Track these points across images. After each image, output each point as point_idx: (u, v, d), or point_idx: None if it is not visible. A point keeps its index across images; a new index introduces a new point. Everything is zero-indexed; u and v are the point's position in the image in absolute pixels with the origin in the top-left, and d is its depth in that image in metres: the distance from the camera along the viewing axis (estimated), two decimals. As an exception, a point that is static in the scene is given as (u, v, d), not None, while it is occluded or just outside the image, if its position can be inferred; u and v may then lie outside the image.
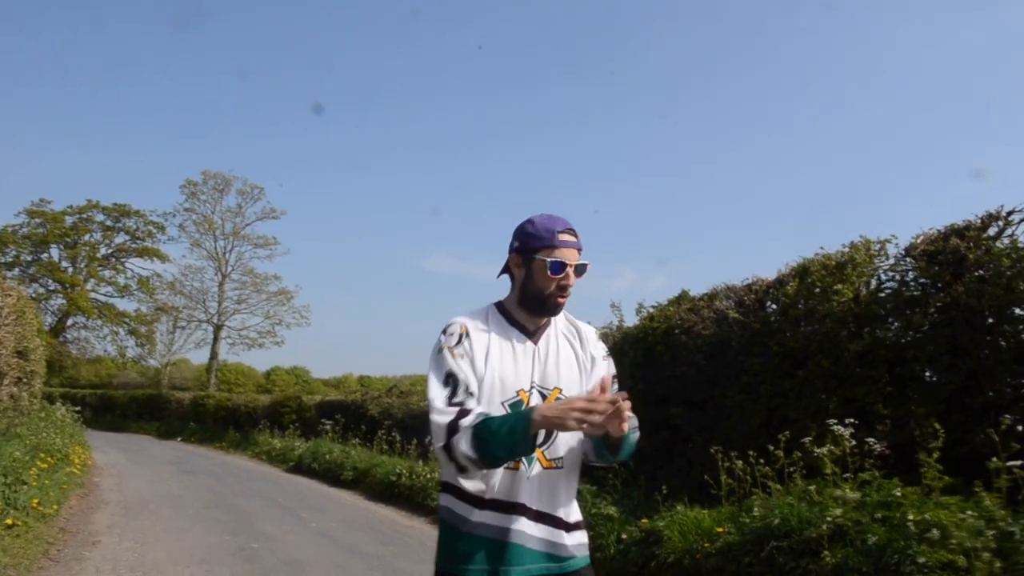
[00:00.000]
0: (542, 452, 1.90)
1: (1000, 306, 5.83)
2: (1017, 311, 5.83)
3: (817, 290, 7.34)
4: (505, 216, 58.14)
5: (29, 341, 12.26)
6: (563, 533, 1.90)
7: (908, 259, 6.95)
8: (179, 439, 24.71)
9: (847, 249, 7.58)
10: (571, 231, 1.97)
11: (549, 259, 1.92)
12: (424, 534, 8.27)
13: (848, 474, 5.28)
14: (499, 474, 1.85)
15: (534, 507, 1.87)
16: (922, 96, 51.88)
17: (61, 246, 41.17)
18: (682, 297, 10.36)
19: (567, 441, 1.94)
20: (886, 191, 50.75)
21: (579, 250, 1.97)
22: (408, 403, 16.71)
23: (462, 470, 1.80)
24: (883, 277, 7.07)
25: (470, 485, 1.83)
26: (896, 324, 6.72)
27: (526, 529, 1.85)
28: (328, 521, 8.74)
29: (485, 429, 1.76)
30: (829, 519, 4.52)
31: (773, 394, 7.44)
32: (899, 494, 4.41)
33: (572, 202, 56.92)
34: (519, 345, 1.97)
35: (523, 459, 1.86)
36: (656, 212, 57.17)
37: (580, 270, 1.97)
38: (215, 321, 35.76)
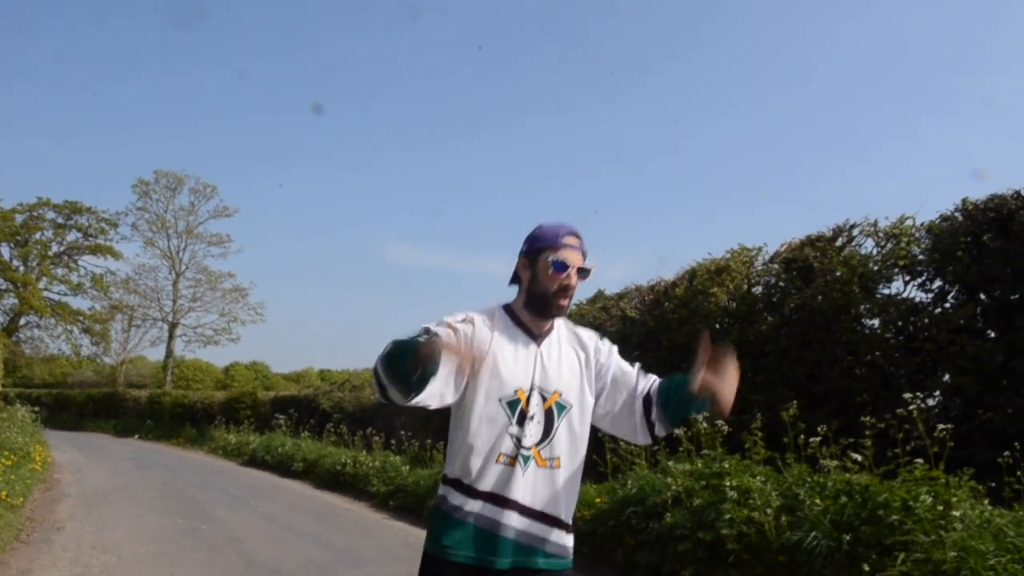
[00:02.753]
0: (538, 451, 1.95)
1: (837, 307, 6.93)
2: (855, 312, 6.96)
3: (699, 291, 8.41)
4: (465, 206, 58.77)
5: (-13, 345, 12.86)
6: (554, 531, 1.96)
7: (773, 265, 8.06)
8: (136, 436, 25.19)
9: (727, 255, 8.69)
10: (575, 235, 2.03)
11: (552, 258, 1.99)
12: (360, 516, 9.19)
13: (708, 450, 6.32)
14: (494, 469, 1.92)
15: (527, 504, 1.92)
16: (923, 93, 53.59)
17: (12, 244, 40.92)
18: (597, 296, 11.41)
19: (565, 442, 1.99)
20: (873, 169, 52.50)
21: (583, 254, 2.04)
22: (359, 397, 17.52)
23: (377, 383, 1.85)
24: (754, 281, 8.18)
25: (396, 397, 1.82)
26: (768, 321, 7.81)
27: (516, 524, 1.90)
28: (274, 506, 9.62)
29: (397, 342, 1.79)
30: (673, 488, 5.55)
31: (663, 384, 8.51)
32: (726, 466, 5.45)
33: (531, 190, 57.82)
34: (522, 346, 2.02)
35: (519, 456, 1.92)
36: (618, 196, 58.36)
37: (583, 273, 2.04)
38: (170, 319, 36.09)
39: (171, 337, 36.09)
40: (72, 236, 42.04)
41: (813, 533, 4.28)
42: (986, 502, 4.26)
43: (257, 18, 57.27)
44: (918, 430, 4.92)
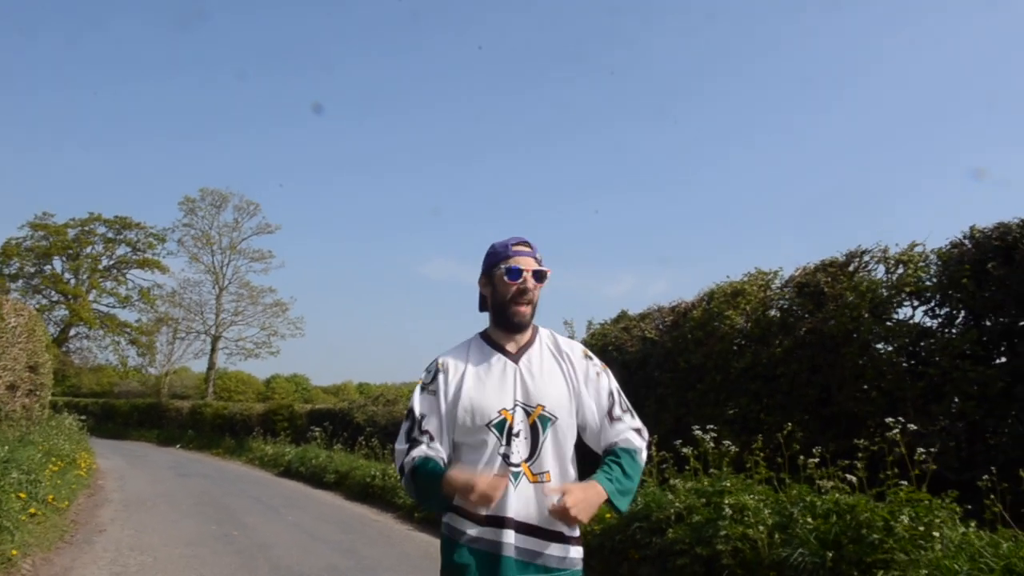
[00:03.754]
0: (527, 466, 1.99)
1: (847, 332, 7.09)
2: (864, 337, 7.11)
3: (716, 314, 8.61)
4: (503, 219, 59.28)
5: (39, 356, 13.51)
6: (554, 545, 1.98)
7: (787, 289, 8.23)
8: (178, 446, 25.89)
9: (744, 278, 8.88)
10: (525, 243, 2.12)
11: (505, 267, 2.07)
12: (386, 527, 9.50)
13: (714, 470, 6.52)
14: (503, 494, 1.95)
15: (522, 520, 1.95)
16: (920, 96, 52.93)
17: (64, 258, 42.47)
18: (621, 316, 11.65)
19: (555, 455, 2.02)
20: (887, 191, 51.97)
21: (536, 259, 2.11)
22: (392, 411, 17.91)
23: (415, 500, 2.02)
24: (769, 304, 8.35)
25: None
26: (781, 344, 7.97)
27: (514, 542, 1.94)
28: (304, 516, 9.99)
29: (418, 472, 2.01)
30: (676, 504, 5.77)
31: (679, 404, 8.71)
32: (727, 484, 5.65)
33: (569, 206, 58.14)
34: (499, 367, 2.06)
35: (510, 474, 1.97)
36: (657, 215, 58.44)
37: (539, 276, 2.10)
38: (213, 332, 37.01)
39: (213, 350, 37.00)
40: (121, 251, 43.51)
41: (800, 550, 4.48)
42: (973, 524, 4.41)
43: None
44: (915, 452, 5.11)
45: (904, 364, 6.70)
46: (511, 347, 2.11)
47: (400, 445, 2.06)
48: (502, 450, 1.99)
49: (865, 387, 6.82)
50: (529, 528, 1.97)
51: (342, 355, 64.40)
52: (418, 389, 2.11)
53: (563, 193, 59.08)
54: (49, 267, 42.23)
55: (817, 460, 5.40)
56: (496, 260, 2.10)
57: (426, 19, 57.96)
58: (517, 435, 2.00)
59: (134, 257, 43.54)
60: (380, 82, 58.96)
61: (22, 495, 6.96)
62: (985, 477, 4.25)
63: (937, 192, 52.28)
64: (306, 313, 53.95)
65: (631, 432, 2.11)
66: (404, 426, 2.09)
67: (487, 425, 2.00)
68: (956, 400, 6.24)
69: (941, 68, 53.33)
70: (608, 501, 1.98)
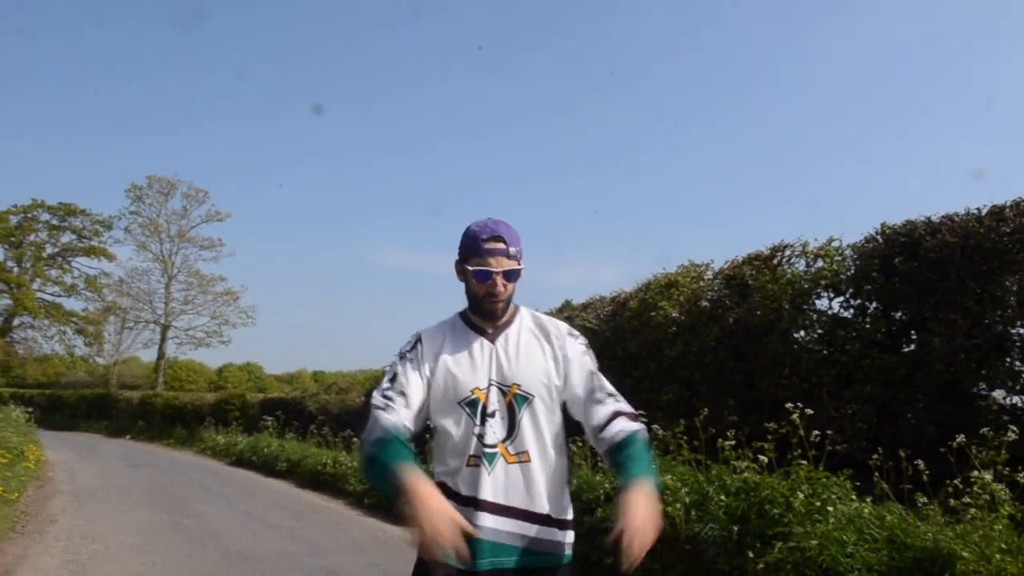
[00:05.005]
0: (505, 447, 1.94)
1: (768, 322, 7.55)
2: (784, 326, 7.58)
3: (651, 304, 9.04)
4: (461, 205, 59.38)
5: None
6: (536, 527, 1.92)
7: (716, 281, 8.69)
8: (128, 437, 25.71)
9: (677, 270, 9.32)
10: (498, 238, 2.00)
11: (473, 268, 1.99)
12: (336, 513, 9.77)
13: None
14: (466, 471, 1.93)
15: (499, 502, 1.90)
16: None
17: (6, 246, 41.46)
18: (565, 306, 12.03)
19: (531, 434, 1.96)
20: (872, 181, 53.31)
21: (508, 256, 2.00)
22: (345, 399, 18.12)
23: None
24: (700, 295, 8.79)
25: None
26: (711, 333, 8.42)
27: (489, 524, 1.88)
28: (255, 504, 10.21)
29: (377, 453, 1.83)
30: (605, 486, 6.17)
31: (617, 391, 9.12)
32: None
33: (526, 191, 58.39)
34: (475, 346, 2.03)
35: (483, 455, 1.92)
36: (611, 199, 59.10)
37: (510, 275, 2.02)
38: (162, 321, 36.61)
39: (163, 339, 36.64)
40: (66, 238, 42.63)
41: (711, 525, 4.89)
42: (868, 500, 4.87)
43: (254, 19, 57.80)
44: (832, 435, 5.58)
45: (822, 352, 7.18)
46: (488, 327, 2.07)
47: (374, 398, 1.99)
48: (476, 430, 1.95)
49: (785, 373, 7.30)
50: (506, 510, 1.92)
51: (297, 343, 64.29)
52: (398, 357, 2.06)
53: (522, 177, 59.34)
54: (-10, 255, 41.22)
55: (733, 443, 5.81)
56: (468, 254, 2.03)
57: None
58: (492, 415, 1.96)
59: (79, 245, 42.71)
60: (336, 70, 58.36)
61: (-28, 488, 7.08)
62: (875, 456, 4.69)
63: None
64: (260, 302, 53.64)
65: (625, 420, 2.03)
66: (384, 382, 2.03)
67: (460, 403, 1.97)
68: (867, 387, 6.77)
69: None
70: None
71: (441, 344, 2.05)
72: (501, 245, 2.00)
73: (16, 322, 41.77)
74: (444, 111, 60.10)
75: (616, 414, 2.05)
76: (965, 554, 3.57)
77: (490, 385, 1.98)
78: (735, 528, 4.71)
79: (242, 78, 51.41)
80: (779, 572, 4.34)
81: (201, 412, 23.96)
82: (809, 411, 4.96)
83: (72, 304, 42.23)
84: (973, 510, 3.85)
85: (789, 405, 5.07)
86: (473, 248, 2.01)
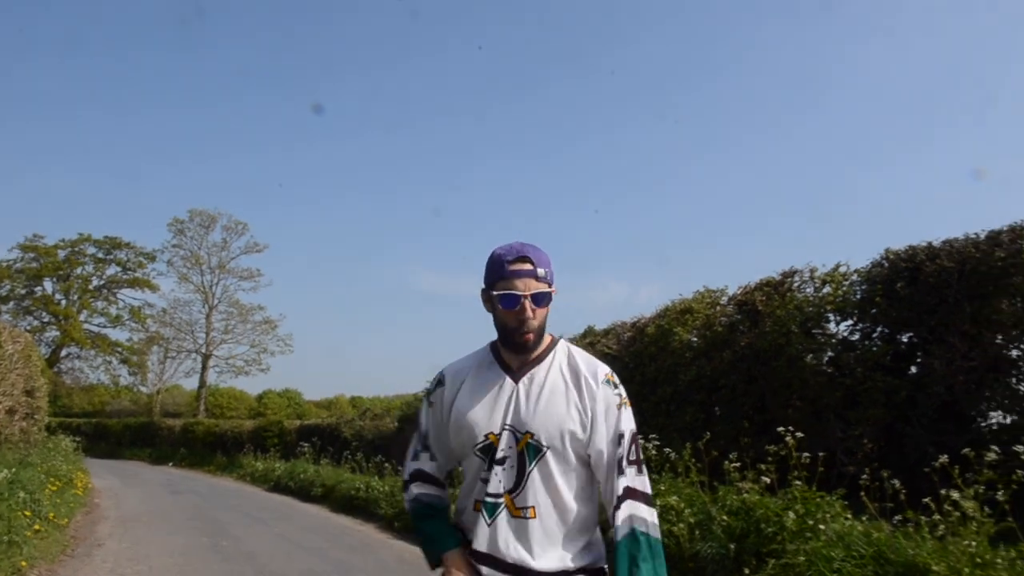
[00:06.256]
0: (510, 499, 1.80)
1: (778, 346, 7.79)
2: (792, 350, 7.82)
3: (667, 330, 9.32)
4: (494, 228, 59.88)
5: (35, 380, 14.12)
6: None
7: (729, 307, 8.95)
8: (170, 464, 26.37)
9: (693, 296, 9.60)
10: (524, 258, 1.84)
11: (498, 293, 1.83)
12: (366, 536, 10.14)
13: (653, 475, 7.19)
14: (471, 516, 1.86)
15: (497, 555, 1.79)
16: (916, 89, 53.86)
17: (54, 279, 42.89)
18: (587, 332, 12.34)
19: (545, 489, 1.81)
20: (882, 189, 52.68)
21: (537, 278, 1.84)
22: (379, 425, 18.56)
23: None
24: (714, 321, 9.05)
25: None
26: (724, 358, 8.67)
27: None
28: (290, 527, 10.62)
29: (415, 514, 1.97)
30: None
31: (635, 415, 9.38)
32: (661, 488, 6.33)
33: (565, 212, 58.71)
34: (496, 385, 1.88)
35: (484, 504, 1.81)
36: (650, 219, 59.21)
37: (539, 299, 1.84)
38: (203, 351, 37.56)
39: (204, 368, 37.54)
40: (111, 270, 43.97)
41: (711, 543, 5.16)
42: (864, 518, 5.10)
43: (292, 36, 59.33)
44: (842, 457, 5.83)
45: (829, 374, 7.40)
46: (515, 363, 1.90)
47: (407, 462, 2.01)
48: (483, 475, 1.83)
49: (794, 396, 7.53)
50: (504, 566, 1.79)
51: (334, 369, 65.00)
52: (423, 401, 2.02)
53: (561, 199, 59.76)
54: (40, 288, 42.64)
55: (738, 464, 6.07)
56: (494, 279, 1.86)
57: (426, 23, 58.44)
58: (502, 463, 1.82)
59: (124, 277, 44.00)
60: (371, 95, 59.67)
61: (27, 513, 7.58)
62: (864, 476, 4.93)
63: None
64: (297, 328, 54.53)
65: (641, 504, 1.86)
66: (413, 439, 2.03)
67: (473, 447, 1.85)
68: (871, 409, 6.97)
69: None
70: None
71: (461, 384, 1.93)
72: (528, 266, 1.84)
73: (64, 353, 43.08)
74: (472, 135, 61.05)
75: (627, 494, 1.86)
76: (935, 568, 3.81)
77: (503, 430, 1.83)
78: (732, 546, 4.97)
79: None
80: (772, 587, 4.60)
81: (241, 439, 24.57)
82: (800, 434, 5.21)
83: (117, 335, 43.49)
84: (942, 526, 4.09)
85: (781, 429, 5.32)
86: (498, 271, 1.85)
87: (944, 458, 4.53)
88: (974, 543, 3.98)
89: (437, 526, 1.93)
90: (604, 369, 1.95)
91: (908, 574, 4.06)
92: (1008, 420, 6.12)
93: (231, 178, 57.50)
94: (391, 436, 16.88)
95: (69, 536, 8.72)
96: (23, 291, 42.19)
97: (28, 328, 36.29)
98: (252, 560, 7.68)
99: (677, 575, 5.45)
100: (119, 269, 44.00)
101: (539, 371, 1.88)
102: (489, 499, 1.81)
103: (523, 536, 1.79)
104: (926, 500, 4.50)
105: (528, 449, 1.81)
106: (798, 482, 5.17)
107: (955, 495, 4.07)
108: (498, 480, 1.82)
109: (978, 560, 3.90)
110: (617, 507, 1.84)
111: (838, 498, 5.07)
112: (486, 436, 1.84)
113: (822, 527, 4.77)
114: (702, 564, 5.19)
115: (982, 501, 4.32)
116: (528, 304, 1.82)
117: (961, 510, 4.07)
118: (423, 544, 1.93)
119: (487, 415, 1.85)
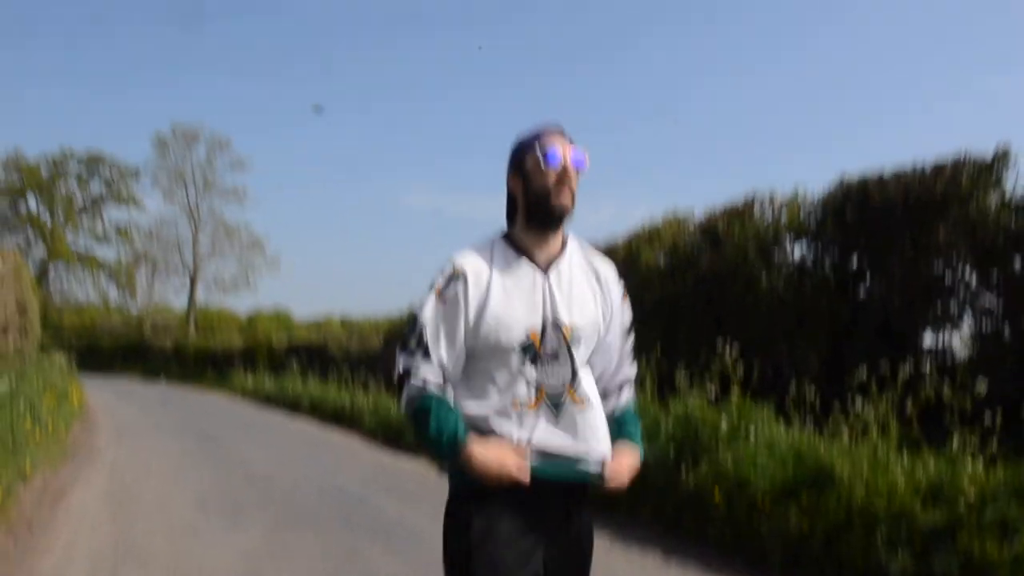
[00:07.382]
0: (573, 391, 1.79)
1: (733, 270, 8.23)
2: (749, 272, 8.26)
3: (636, 253, 9.75)
4: (489, 148, 59.46)
5: (27, 298, 14.53)
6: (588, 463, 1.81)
7: (696, 232, 9.36)
8: (162, 380, 27.06)
9: (661, 221, 10.00)
10: (559, 130, 1.84)
11: (540, 152, 1.78)
12: (351, 445, 10.76)
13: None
14: (522, 422, 1.76)
15: (577, 451, 1.78)
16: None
17: (38, 194, 42.54)
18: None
19: (588, 380, 1.85)
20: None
21: (573, 146, 1.82)
22: (365, 345, 19.18)
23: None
24: (679, 244, 9.48)
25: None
26: (687, 280, 9.12)
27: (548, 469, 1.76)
28: (278, 438, 11.25)
29: (424, 400, 1.75)
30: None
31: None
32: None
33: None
34: (527, 278, 1.81)
35: (547, 403, 1.77)
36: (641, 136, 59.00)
37: (579, 163, 1.81)
38: (191, 270, 37.90)
39: (193, 287, 37.95)
40: (96, 187, 43.69)
41: (655, 448, 5.71)
42: (797, 425, 5.64)
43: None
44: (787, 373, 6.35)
45: (781, 296, 7.87)
46: (540, 256, 1.84)
47: (402, 356, 1.80)
48: (534, 375, 1.77)
49: (747, 316, 8.02)
50: (555, 457, 1.77)
51: (324, 289, 65.31)
52: (432, 295, 1.80)
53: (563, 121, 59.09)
54: (24, 206, 42.45)
55: (689, 378, 6.59)
56: (528, 149, 1.82)
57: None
58: (555, 357, 1.79)
59: (109, 193, 43.77)
60: (360, 15, 58.36)
61: (28, 421, 8.08)
62: (791, 392, 5.44)
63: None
64: (286, 248, 55.10)
65: (631, 388, 2.04)
66: (409, 336, 1.81)
67: (515, 345, 1.76)
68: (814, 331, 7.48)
69: None
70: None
71: (488, 279, 1.79)
72: (563, 136, 1.83)
73: (52, 273, 43.19)
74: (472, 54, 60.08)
75: (628, 380, 2.02)
76: (839, 467, 4.36)
77: (545, 325, 1.78)
78: (672, 450, 5.52)
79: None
80: (704, 483, 5.16)
81: (231, 356, 25.21)
82: (737, 348, 5.71)
83: (104, 253, 43.59)
84: (847, 433, 4.64)
85: (720, 344, 5.82)
86: (533, 138, 1.82)
87: (864, 375, 5.02)
88: (878, 448, 4.52)
89: (455, 414, 1.76)
90: (613, 267, 1.98)
91: (819, 472, 4.61)
92: (939, 342, 6.63)
93: (215, 96, 56.54)
94: (376, 354, 17.47)
95: (69, 444, 9.27)
96: (7, 208, 41.96)
97: (14, 248, 36.33)
98: (244, 466, 8.26)
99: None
100: (103, 186, 43.73)
101: (563, 266, 1.86)
102: (551, 394, 1.77)
103: (590, 424, 1.80)
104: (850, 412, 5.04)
105: (572, 342, 1.81)
106: (736, 396, 5.68)
107: (859, 406, 4.59)
108: (555, 375, 1.78)
109: (878, 462, 4.44)
110: (621, 389, 1.99)
111: (770, 409, 5.59)
112: (528, 335, 1.77)
113: (752, 434, 5.30)
114: (647, 466, 5.74)
115: (896, 412, 4.85)
116: (570, 164, 1.80)
117: (865, 420, 4.59)
118: (437, 430, 1.73)
119: (527, 312, 1.78)
